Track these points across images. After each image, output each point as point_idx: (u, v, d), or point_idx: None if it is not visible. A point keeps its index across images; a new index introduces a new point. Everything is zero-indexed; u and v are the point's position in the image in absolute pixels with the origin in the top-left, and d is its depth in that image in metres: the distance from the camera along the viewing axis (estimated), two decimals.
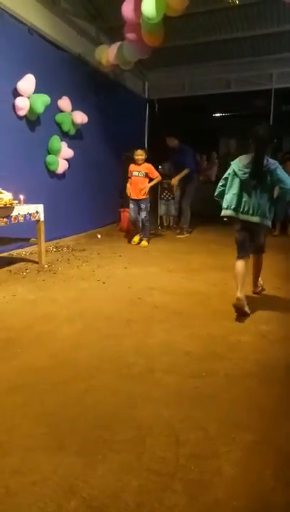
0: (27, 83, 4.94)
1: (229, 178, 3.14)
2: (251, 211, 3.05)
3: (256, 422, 1.75)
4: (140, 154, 6.07)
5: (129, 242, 6.38)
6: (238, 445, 1.59)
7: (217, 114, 11.51)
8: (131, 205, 6.27)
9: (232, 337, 2.66)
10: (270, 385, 2.07)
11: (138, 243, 6.20)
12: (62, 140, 5.90)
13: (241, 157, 3.13)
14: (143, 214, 6.18)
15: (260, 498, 1.34)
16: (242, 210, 3.08)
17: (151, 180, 6.16)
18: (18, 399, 1.92)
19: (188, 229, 7.26)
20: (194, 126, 7.96)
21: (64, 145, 5.94)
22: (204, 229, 7.64)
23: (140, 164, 6.10)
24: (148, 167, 6.13)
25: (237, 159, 3.14)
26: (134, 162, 6.13)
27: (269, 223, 3.14)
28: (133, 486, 1.38)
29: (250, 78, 8.80)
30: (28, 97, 5.01)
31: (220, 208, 3.21)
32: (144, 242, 6.15)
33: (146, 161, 6.10)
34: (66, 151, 6.01)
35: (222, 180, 3.24)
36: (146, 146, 9.62)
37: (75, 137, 6.35)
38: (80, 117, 6.13)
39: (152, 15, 4.80)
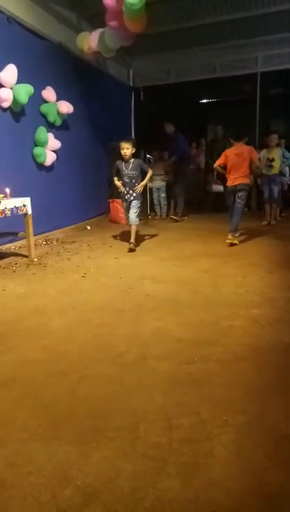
0: (9, 74, 4.84)
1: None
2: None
3: (249, 404, 1.78)
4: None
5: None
6: (231, 427, 1.62)
7: (204, 100, 11.42)
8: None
9: (223, 322, 2.68)
10: (262, 368, 2.09)
11: None
12: (48, 131, 5.82)
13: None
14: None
15: (253, 477, 1.36)
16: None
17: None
18: (12, 392, 1.92)
19: (182, 216, 7.41)
20: (181, 113, 7.89)
21: (51, 136, 5.86)
22: (195, 216, 7.64)
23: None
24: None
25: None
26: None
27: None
28: (127, 472, 1.39)
29: (235, 62, 8.71)
30: (11, 88, 4.93)
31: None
32: None
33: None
34: (53, 143, 5.93)
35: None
36: (132, 134, 9.50)
37: (62, 128, 6.27)
38: (66, 107, 6.04)
39: (134, 0, 4.71)
